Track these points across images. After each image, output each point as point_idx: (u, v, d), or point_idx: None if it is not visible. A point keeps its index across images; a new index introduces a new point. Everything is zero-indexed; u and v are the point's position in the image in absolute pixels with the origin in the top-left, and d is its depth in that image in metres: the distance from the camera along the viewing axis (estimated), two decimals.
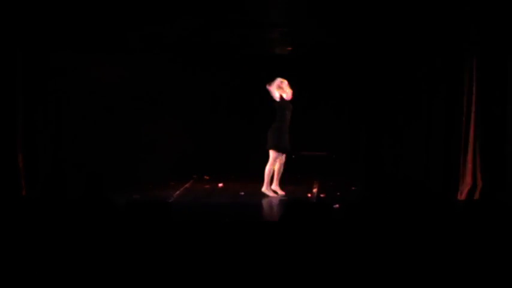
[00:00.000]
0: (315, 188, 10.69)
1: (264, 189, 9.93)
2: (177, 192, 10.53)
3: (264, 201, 9.65)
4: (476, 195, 9.14)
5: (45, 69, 9.66)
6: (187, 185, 11.37)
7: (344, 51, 12.12)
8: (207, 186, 11.43)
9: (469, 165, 9.28)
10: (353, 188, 10.54)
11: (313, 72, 12.92)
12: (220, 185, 11.42)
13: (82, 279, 4.25)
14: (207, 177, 12.24)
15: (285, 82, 9.91)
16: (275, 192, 9.92)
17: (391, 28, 9.70)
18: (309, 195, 10.11)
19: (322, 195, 10.05)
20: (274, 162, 9.87)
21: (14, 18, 8.87)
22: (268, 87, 9.94)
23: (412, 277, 4.10)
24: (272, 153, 9.86)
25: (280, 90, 9.86)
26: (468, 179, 9.30)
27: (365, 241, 4.44)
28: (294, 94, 9.94)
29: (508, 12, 8.73)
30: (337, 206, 8.69)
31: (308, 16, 9.46)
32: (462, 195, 9.30)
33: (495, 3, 8.84)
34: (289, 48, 11.58)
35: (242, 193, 10.46)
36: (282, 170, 9.96)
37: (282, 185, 10.03)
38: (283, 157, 9.94)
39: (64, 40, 9.72)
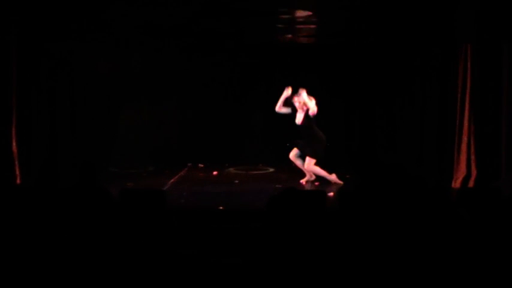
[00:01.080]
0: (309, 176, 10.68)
1: (332, 180, 10.00)
2: (172, 180, 10.53)
3: (258, 189, 9.65)
4: (471, 183, 9.15)
5: (40, 58, 9.63)
6: (181, 173, 11.37)
7: (339, 41, 12.09)
8: (202, 174, 11.43)
9: (464, 153, 9.29)
10: (347, 176, 10.54)
11: (309, 61, 12.91)
12: (215, 173, 11.42)
13: (77, 268, 4.25)
14: (202, 166, 12.24)
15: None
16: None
17: (385, 17, 9.66)
18: (304, 183, 10.11)
19: (316, 184, 10.05)
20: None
21: (9, 8, 8.82)
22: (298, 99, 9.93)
23: (406, 265, 4.11)
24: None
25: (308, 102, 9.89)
26: (462, 167, 9.31)
27: (359, 229, 4.45)
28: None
29: None
30: (331, 194, 8.73)
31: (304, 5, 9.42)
32: (456, 183, 9.32)
33: None
34: (289, 36, 11.52)
35: (236, 181, 10.47)
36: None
37: (280, 173, 10.24)
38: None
39: (57, 30, 9.68)
